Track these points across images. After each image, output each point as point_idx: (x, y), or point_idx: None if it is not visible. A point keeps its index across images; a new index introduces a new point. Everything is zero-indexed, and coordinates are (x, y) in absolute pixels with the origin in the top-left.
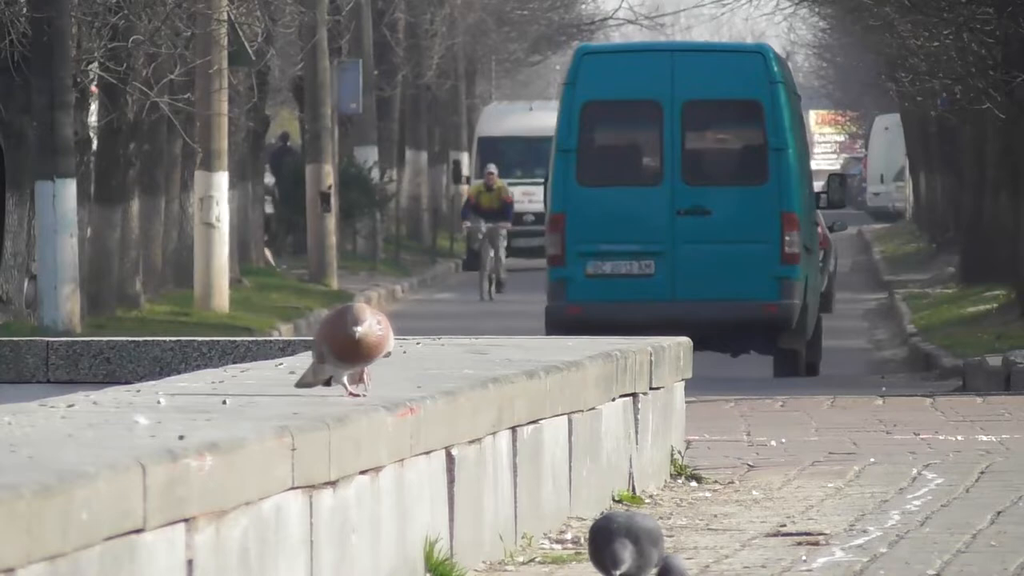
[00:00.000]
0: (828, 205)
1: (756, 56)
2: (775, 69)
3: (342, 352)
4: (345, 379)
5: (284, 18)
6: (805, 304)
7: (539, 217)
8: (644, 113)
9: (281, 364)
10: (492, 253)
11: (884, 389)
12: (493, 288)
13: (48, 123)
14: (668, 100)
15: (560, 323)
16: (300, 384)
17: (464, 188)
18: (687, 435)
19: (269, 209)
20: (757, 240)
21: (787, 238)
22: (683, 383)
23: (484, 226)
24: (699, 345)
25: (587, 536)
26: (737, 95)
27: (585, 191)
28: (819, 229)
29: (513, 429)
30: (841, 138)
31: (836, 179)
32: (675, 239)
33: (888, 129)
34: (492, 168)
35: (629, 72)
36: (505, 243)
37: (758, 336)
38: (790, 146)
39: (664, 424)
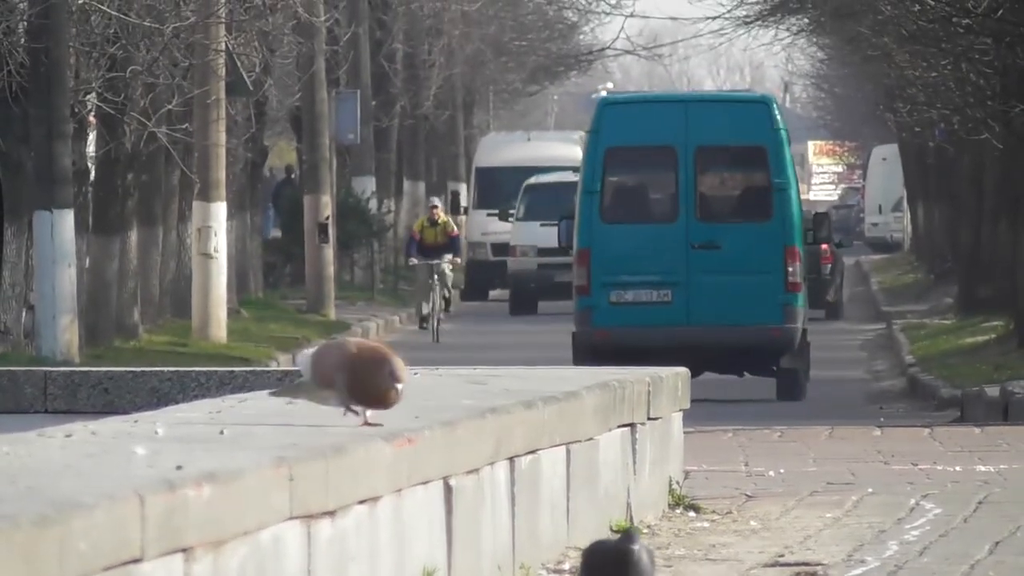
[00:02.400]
0: (814, 241)
1: (761, 105)
2: (777, 117)
3: (373, 401)
4: (334, 403)
5: (282, 48)
6: (804, 328)
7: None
8: (661, 157)
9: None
10: (438, 290)
11: (882, 420)
12: (439, 325)
13: (46, 153)
14: (682, 145)
15: (587, 347)
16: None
17: (462, 219)
18: (685, 465)
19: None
20: (763, 271)
21: (790, 269)
22: (681, 413)
23: (428, 263)
24: (708, 366)
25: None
26: (744, 141)
27: (608, 228)
28: (823, 245)
29: (511, 459)
30: (839, 168)
31: (821, 216)
32: (690, 270)
33: (886, 159)
34: (436, 202)
35: (647, 120)
36: (451, 275)
37: (763, 357)
38: (792, 186)
39: (662, 454)
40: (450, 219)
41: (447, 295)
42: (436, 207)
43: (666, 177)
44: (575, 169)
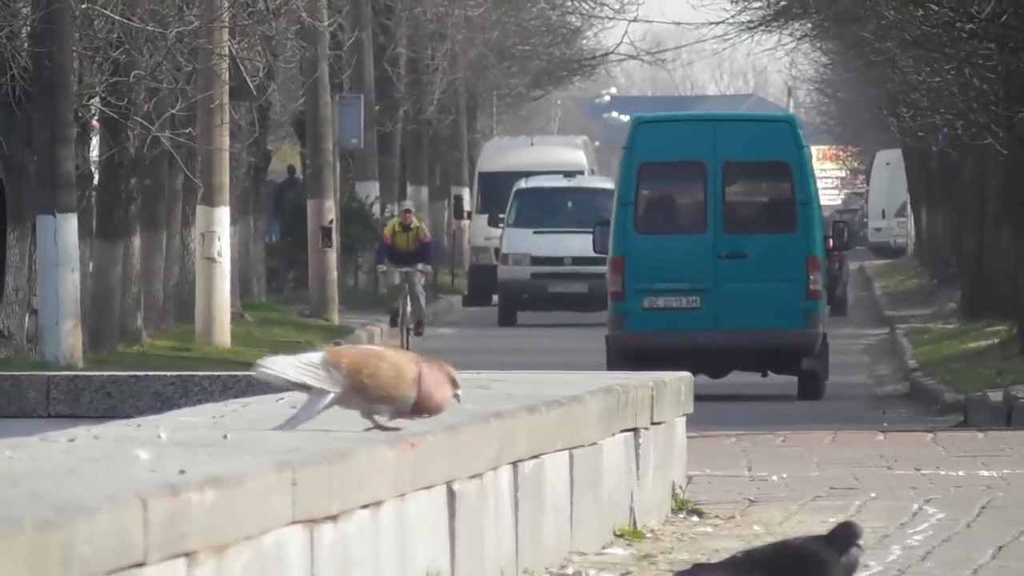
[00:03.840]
0: (833, 248)
1: (785, 124)
2: (800, 135)
3: (433, 409)
4: (386, 415)
5: (285, 53)
6: (824, 332)
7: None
8: (691, 172)
9: (282, 399)
10: (409, 300)
11: (885, 424)
12: (410, 333)
13: (49, 158)
14: (711, 161)
15: (620, 350)
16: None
17: (465, 223)
18: (688, 470)
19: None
20: (786, 279)
21: (811, 278)
22: (684, 418)
23: (400, 271)
24: (735, 366)
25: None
26: (769, 157)
27: (642, 238)
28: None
29: (514, 464)
30: (843, 173)
31: (841, 226)
32: (717, 278)
33: (889, 164)
34: (409, 205)
35: (678, 138)
36: (423, 283)
37: (785, 359)
38: (814, 200)
39: (665, 459)
40: (422, 224)
41: (420, 316)
42: (409, 211)
43: (696, 191)
44: (567, 173)
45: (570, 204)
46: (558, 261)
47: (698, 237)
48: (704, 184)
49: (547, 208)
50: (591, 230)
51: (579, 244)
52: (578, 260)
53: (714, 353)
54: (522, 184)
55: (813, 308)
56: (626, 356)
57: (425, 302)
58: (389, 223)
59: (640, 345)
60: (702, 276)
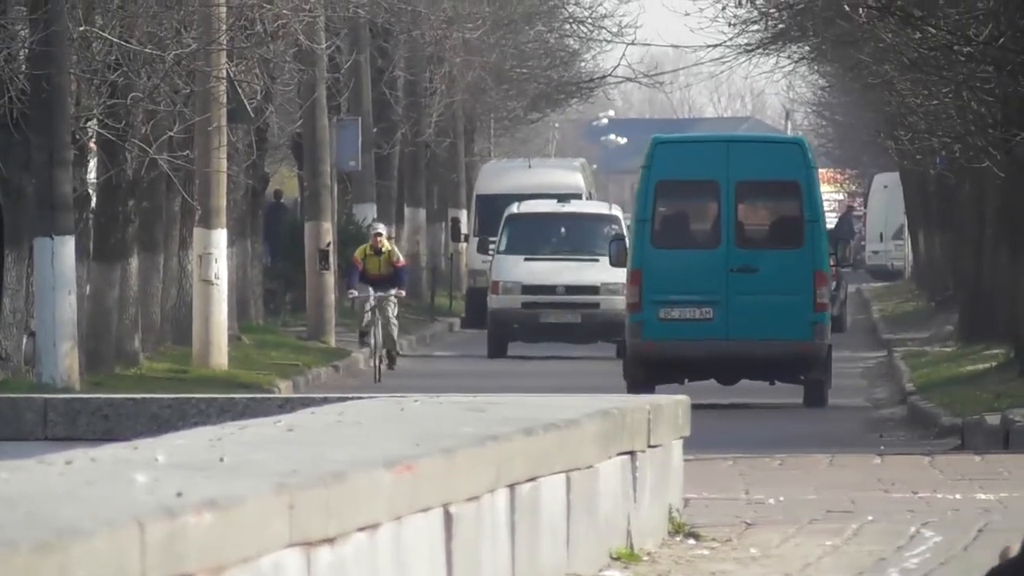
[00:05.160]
0: (835, 264)
1: (795, 146)
2: (809, 156)
3: None
4: None
5: (283, 76)
6: (829, 344)
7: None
8: (705, 190)
9: (279, 421)
10: (381, 326)
11: (882, 448)
12: (383, 366)
13: (47, 180)
14: (724, 180)
15: (637, 357)
16: None
17: (463, 246)
18: (685, 493)
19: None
20: (795, 293)
21: (819, 291)
22: (681, 441)
23: (372, 296)
24: (745, 374)
25: None
26: (780, 177)
27: (658, 252)
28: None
29: (511, 487)
30: (840, 196)
31: (844, 244)
32: (729, 291)
33: (887, 187)
34: (380, 228)
35: (693, 158)
36: (396, 312)
37: (792, 368)
38: (820, 218)
39: (662, 482)
40: (395, 247)
41: (391, 346)
42: (380, 235)
43: (709, 208)
44: (564, 196)
45: (563, 230)
46: (550, 290)
47: (711, 252)
48: (717, 202)
49: (539, 234)
50: (585, 257)
51: (572, 272)
52: (571, 289)
53: (725, 361)
54: (513, 209)
55: (819, 320)
56: (642, 363)
57: (397, 332)
58: (360, 247)
59: (656, 353)
60: (715, 289)
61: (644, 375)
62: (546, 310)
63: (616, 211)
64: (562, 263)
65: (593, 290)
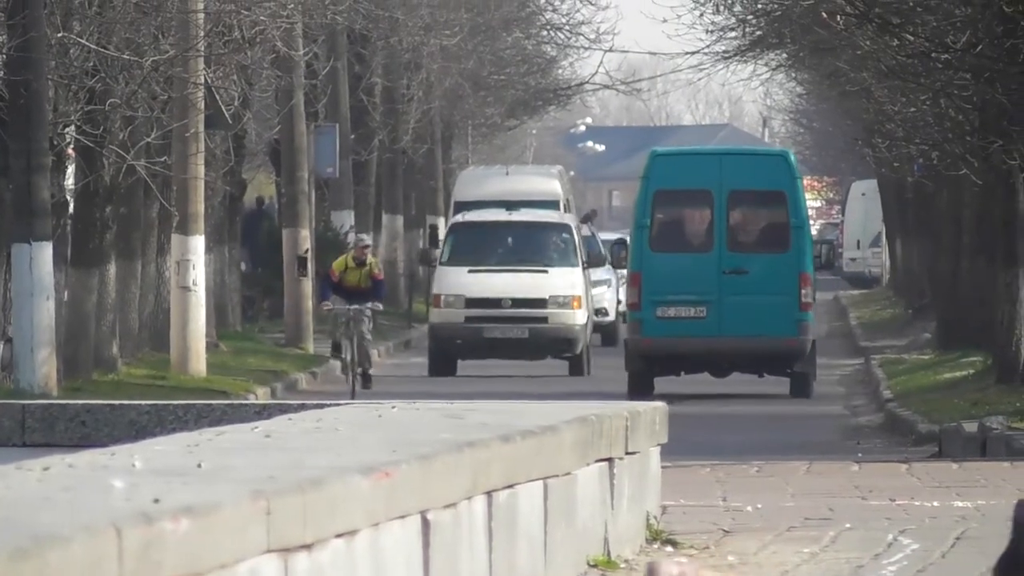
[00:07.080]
0: (818, 267)
1: (781, 158)
2: (794, 168)
3: None
4: None
5: (261, 82)
6: (814, 340)
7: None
8: (699, 199)
9: (257, 428)
10: (356, 343)
11: (860, 455)
12: (359, 383)
13: (25, 186)
14: (717, 189)
15: (636, 352)
16: None
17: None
18: (663, 500)
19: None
20: (782, 293)
21: (803, 291)
22: (659, 448)
23: (349, 309)
24: (736, 368)
25: None
26: (768, 186)
27: (656, 255)
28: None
29: (488, 494)
30: (818, 204)
31: (826, 246)
32: (721, 291)
33: (865, 195)
34: (366, 239)
35: (689, 169)
36: (370, 325)
37: (780, 363)
38: (805, 224)
39: (640, 489)
40: (376, 260)
41: (365, 363)
42: (367, 246)
43: (703, 215)
44: (507, 205)
45: (510, 240)
46: (495, 303)
47: (705, 255)
48: (711, 209)
49: (485, 244)
50: (533, 268)
51: (519, 284)
52: (518, 302)
53: (718, 356)
54: (458, 218)
55: (804, 318)
56: (641, 357)
57: (370, 347)
58: (340, 257)
59: (653, 348)
60: (708, 289)
61: (643, 369)
62: (490, 324)
63: (569, 219)
64: (509, 274)
65: (541, 303)
